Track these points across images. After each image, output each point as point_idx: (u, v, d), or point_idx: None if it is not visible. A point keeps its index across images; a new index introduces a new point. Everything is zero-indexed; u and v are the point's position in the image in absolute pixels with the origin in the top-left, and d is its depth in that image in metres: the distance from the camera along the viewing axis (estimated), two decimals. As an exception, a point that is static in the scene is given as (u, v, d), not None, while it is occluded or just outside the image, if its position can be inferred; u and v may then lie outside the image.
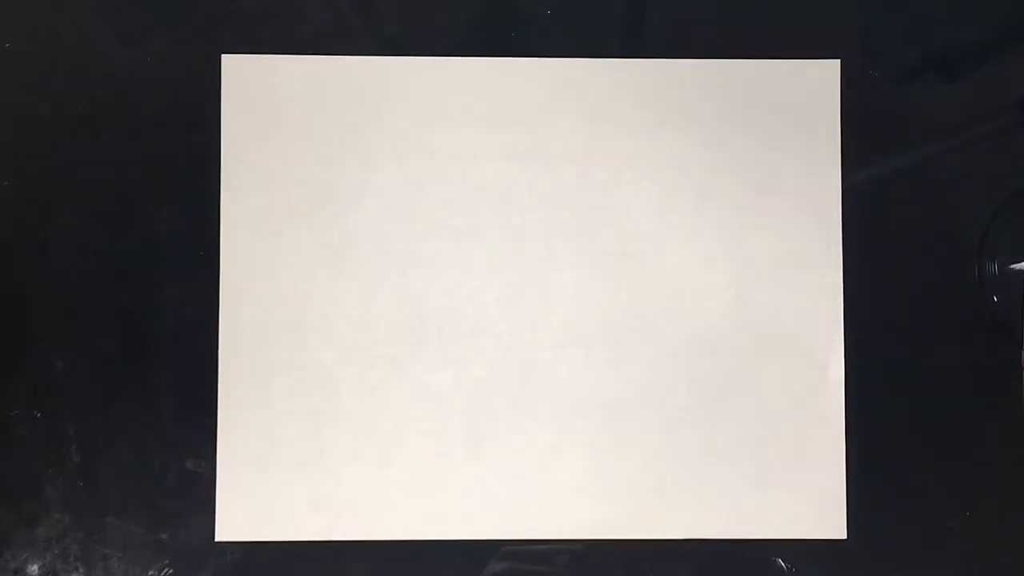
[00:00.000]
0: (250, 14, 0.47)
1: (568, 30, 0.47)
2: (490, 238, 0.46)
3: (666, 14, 0.47)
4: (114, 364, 0.46)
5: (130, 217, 0.46)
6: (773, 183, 0.46)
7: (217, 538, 0.45)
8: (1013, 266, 0.46)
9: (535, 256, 0.46)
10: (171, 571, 0.45)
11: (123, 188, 0.46)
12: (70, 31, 0.47)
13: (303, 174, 0.46)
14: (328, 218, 0.46)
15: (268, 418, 0.45)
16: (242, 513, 0.45)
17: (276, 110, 0.46)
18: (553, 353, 0.46)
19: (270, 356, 0.45)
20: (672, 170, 0.46)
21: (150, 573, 0.45)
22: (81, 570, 0.45)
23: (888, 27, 0.47)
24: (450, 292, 0.46)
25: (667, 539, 0.45)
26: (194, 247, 0.46)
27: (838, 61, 0.47)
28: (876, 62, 0.47)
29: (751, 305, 0.46)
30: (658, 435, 0.46)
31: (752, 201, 0.46)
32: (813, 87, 0.47)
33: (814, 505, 0.45)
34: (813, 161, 0.46)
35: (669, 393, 0.46)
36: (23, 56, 0.46)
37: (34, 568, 0.45)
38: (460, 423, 0.46)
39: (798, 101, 0.47)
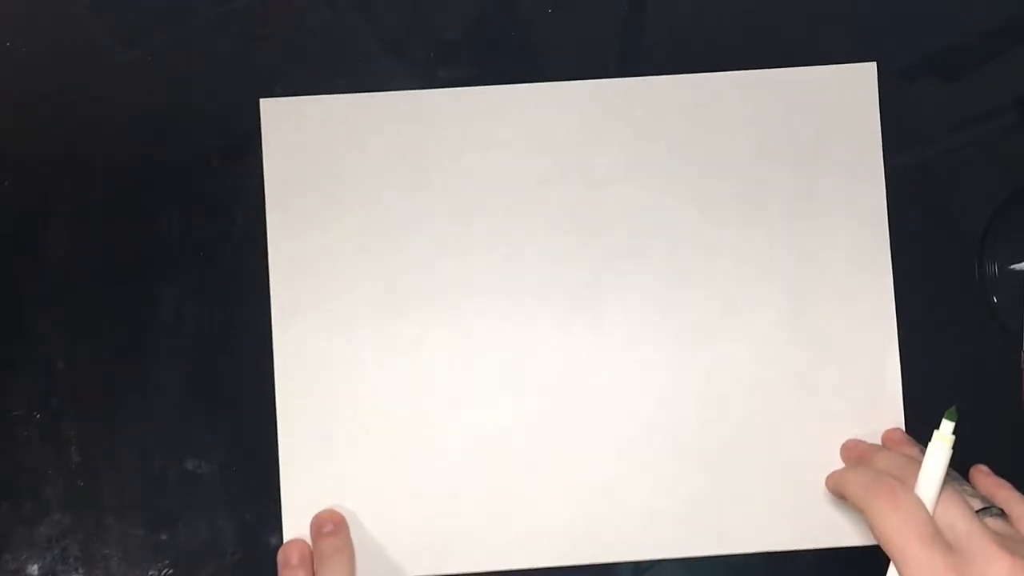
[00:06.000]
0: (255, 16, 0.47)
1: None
2: (539, 265, 0.46)
3: (672, 30, 0.47)
4: (114, 364, 0.46)
5: (130, 217, 0.46)
6: (817, 189, 0.46)
7: None
8: (1013, 266, 0.47)
9: (584, 280, 0.46)
10: (171, 571, 0.45)
11: (123, 188, 0.46)
12: (70, 31, 0.47)
13: (348, 214, 0.46)
14: (376, 256, 0.46)
15: (330, 462, 0.45)
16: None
17: (316, 151, 0.46)
18: (609, 376, 0.46)
19: (327, 402, 0.45)
20: (715, 183, 0.46)
21: (150, 573, 0.45)
22: (81, 570, 0.45)
23: (888, 27, 0.47)
24: (503, 321, 0.46)
25: (735, 554, 0.45)
26: (194, 247, 0.46)
27: (874, 64, 0.47)
28: (877, 62, 0.47)
29: (804, 313, 0.46)
30: (720, 449, 0.45)
31: (797, 208, 0.46)
32: (850, 91, 0.46)
33: None
34: (854, 163, 0.46)
35: (729, 407, 0.45)
36: (23, 56, 0.46)
37: (34, 568, 0.45)
38: (522, 455, 0.45)
39: (836, 106, 0.46)
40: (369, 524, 0.45)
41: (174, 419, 0.45)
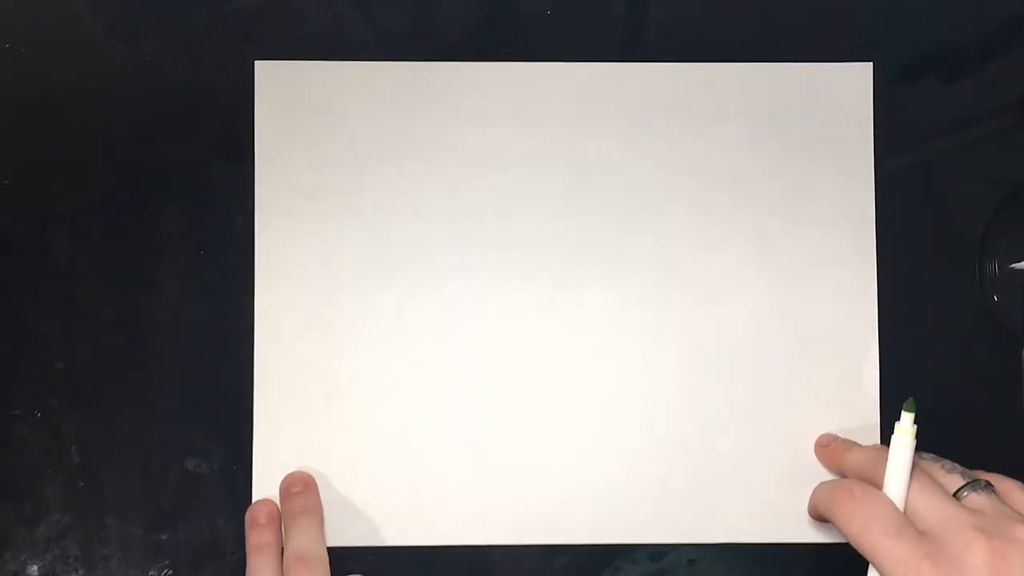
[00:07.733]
0: (252, 14, 0.47)
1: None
2: (523, 242, 0.46)
3: (677, 18, 0.47)
4: (114, 364, 0.46)
5: (130, 217, 0.46)
6: (807, 185, 0.46)
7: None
8: (1013, 266, 0.47)
9: (568, 260, 0.46)
10: (171, 571, 0.45)
11: (123, 188, 0.46)
12: (70, 31, 0.47)
13: (335, 180, 0.46)
14: (361, 224, 0.46)
15: (301, 426, 0.45)
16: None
17: (308, 116, 0.46)
18: (588, 357, 0.46)
19: (304, 363, 0.45)
20: (705, 173, 0.46)
21: (150, 573, 0.45)
22: (81, 570, 0.45)
23: (888, 27, 0.47)
24: (484, 296, 0.46)
25: (703, 543, 0.45)
26: (194, 247, 0.46)
27: (870, 64, 0.47)
28: (876, 62, 0.47)
29: (786, 307, 0.46)
30: (694, 438, 0.45)
31: (786, 203, 0.46)
32: (845, 90, 0.47)
33: None
34: (845, 163, 0.46)
35: (705, 396, 0.46)
36: (23, 56, 0.46)
37: (34, 568, 0.45)
38: (496, 431, 0.45)
39: (830, 104, 0.46)
40: (340, 491, 0.45)
41: (174, 419, 0.45)
